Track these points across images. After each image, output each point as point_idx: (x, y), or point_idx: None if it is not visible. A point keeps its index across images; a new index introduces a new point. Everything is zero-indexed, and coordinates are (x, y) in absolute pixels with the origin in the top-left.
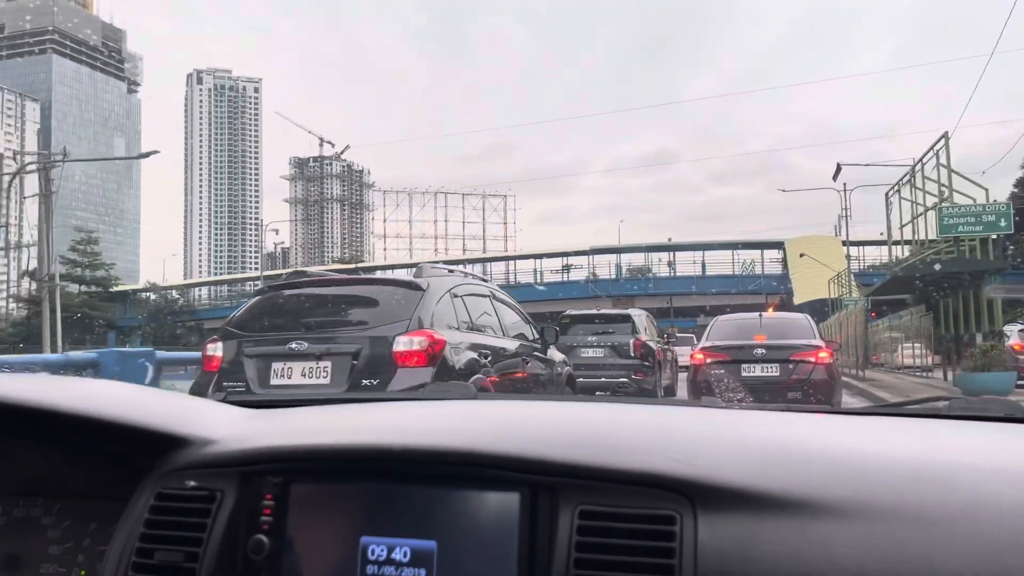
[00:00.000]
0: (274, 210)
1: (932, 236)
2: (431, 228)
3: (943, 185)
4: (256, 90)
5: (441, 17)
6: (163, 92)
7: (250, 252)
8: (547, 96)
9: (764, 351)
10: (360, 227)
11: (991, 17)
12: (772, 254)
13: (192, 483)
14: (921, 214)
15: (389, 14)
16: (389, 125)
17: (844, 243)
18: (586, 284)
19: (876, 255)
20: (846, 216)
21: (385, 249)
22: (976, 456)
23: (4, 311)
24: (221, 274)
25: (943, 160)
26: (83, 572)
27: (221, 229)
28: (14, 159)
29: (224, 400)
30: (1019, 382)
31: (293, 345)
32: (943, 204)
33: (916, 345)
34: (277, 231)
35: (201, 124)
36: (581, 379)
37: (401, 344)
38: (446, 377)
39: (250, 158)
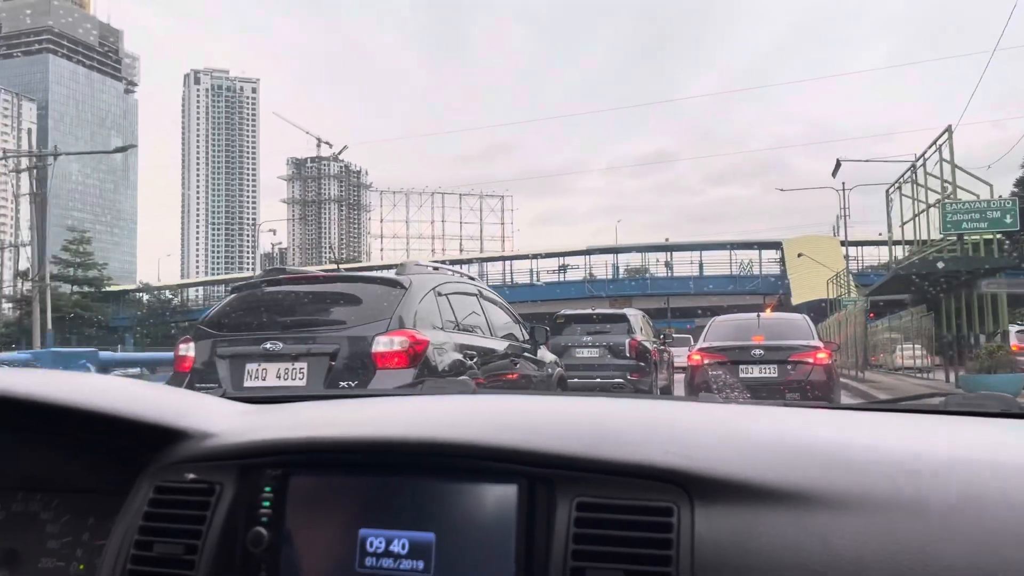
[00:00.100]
0: (271, 210)
1: (934, 234)
2: (428, 228)
3: (946, 181)
4: (254, 90)
5: (440, 17)
6: (160, 92)
7: (247, 252)
8: (546, 97)
9: (762, 352)
10: (358, 227)
11: (990, 18)
12: (770, 254)
13: (191, 476)
14: (923, 211)
15: (387, 14)
16: (387, 126)
17: (842, 243)
18: (583, 284)
19: (874, 255)
20: (844, 215)
21: (382, 249)
22: (973, 450)
23: None
24: (218, 274)
25: (946, 155)
26: (82, 566)
27: (218, 229)
28: (3, 159)
29: (223, 395)
30: None
31: (268, 345)
32: (947, 200)
33: (916, 346)
34: (275, 231)
35: (198, 124)
36: (576, 379)
37: (381, 344)
38: (429, 378)
39: (247, 158)
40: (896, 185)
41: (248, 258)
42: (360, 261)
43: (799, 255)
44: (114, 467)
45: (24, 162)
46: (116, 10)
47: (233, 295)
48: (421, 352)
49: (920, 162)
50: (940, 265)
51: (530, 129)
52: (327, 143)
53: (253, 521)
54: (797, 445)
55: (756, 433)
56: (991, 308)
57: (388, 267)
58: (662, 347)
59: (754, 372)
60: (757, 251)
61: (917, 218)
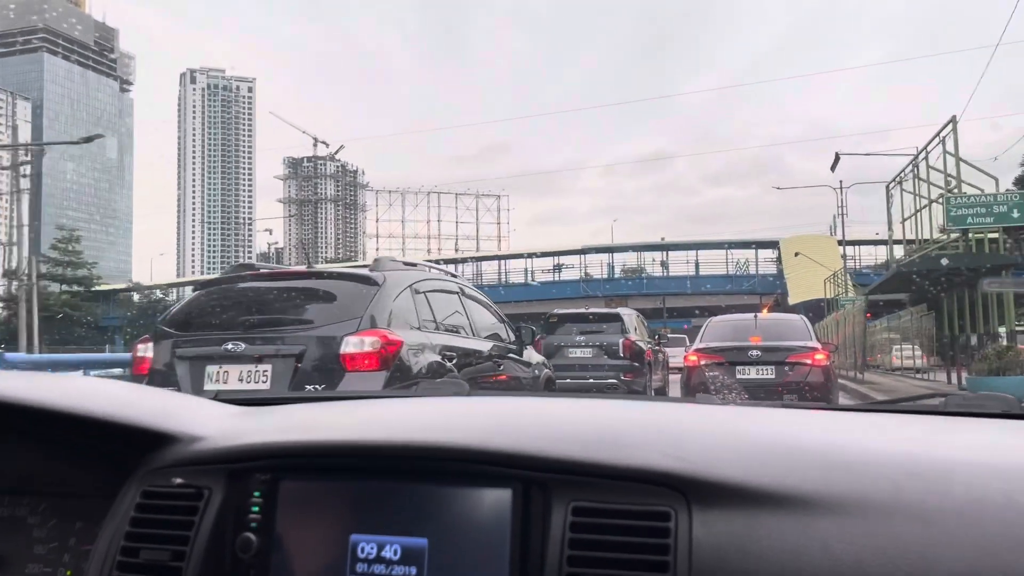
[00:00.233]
0: (268, 210)
1: (936, 231)
2: (425, 228)
3: (950, 175)
4: (250, 90)
5: (437, 17)
6: (156, 91)
7: (243, 252)
8: (544, 97)
9: (759, 353)
10: (354, 227)
11: (987, 18)
12: (767, 253)
13: (179, 480)
14: (925, 206)
15: (385, 14)
16: (384, 126)
17: (840, 242)
18: (579, 284)
19: (872, 255)
20: (842, 214)
21: (377, 249)
22: (973, 452)
23: None
24: (214, 274)
25: (950, 148)
26: (69, 572)
27: (214, 229)
28: None
29: (214, 398)
30: None
31: (229, 346)
32: (951, 194)
33: (917, 346)
34: (271, 231)
35: (194, 123)
36: (569, 380)
37: (350, 345)
38: (403, 382)
39: (243, 158)
40: (897, 180)
41: (244, 258)
42: (356, 260)
43: (796, 254)
44: (102, 471)
45: (7, 159)
46: (112, 9)
47: (196, 292)
48: (394, 353)
49: (922, 156)
50: (944, 262)
51: (528, 129)
52: (323, 142)
53: (242, 526)
54: (796, 447)
55: (755, 435)
56: (996, 307)
57: None
58: (657, 347)
59: (751, 373)
60: (754, 250)
61: (919, 214)
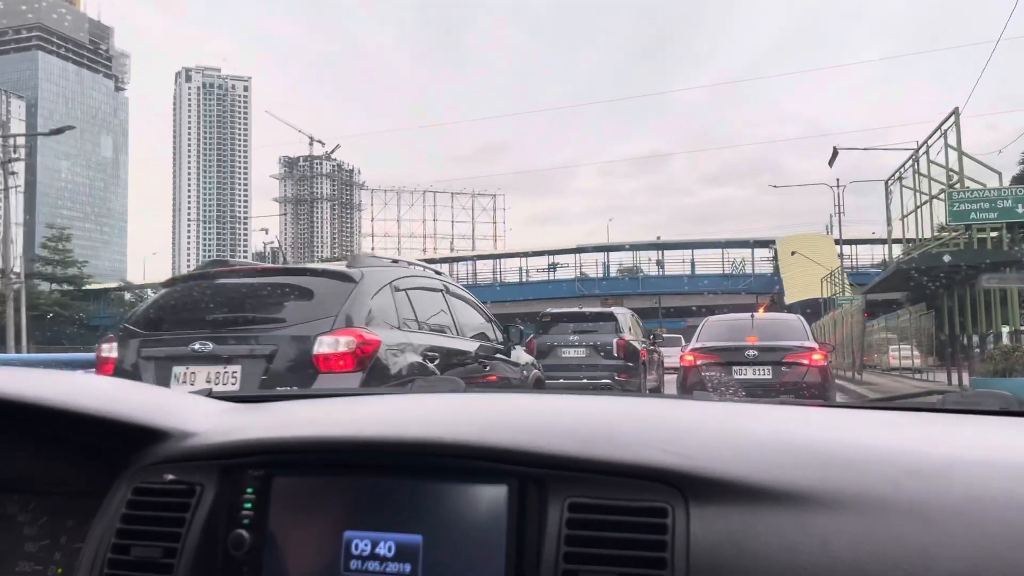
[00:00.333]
0: (264, 209)
1: (936, 228)
2: (420, 227)
3: (951, 170)
4: (245, 88)
5: (434, 17)
6: (151, 90)
7: (239, 251)
8: (541, 97)
9: (756, 353)
10: (350, 226)
11: (985, 19)
12: (763, 253)
13: (170, 477)
14: (926, 202)
15: (382, 14)
16: (381, 125)
17: (836, 241)
18: (574, 283)
19: (868, 254)
20: (838, 213)
21: (373, 248)
22: (972, 450)
23: None
24: None
25: (952, 141)
26: (60, 570)
27: (210, 228)
28: None
29: (208, 394)
30: None
31: (196, 346)
32: (953, 188)
33: (917, 346)
34: (267, 230)
35: (190, 122)
36: (562, 380)
37: (324, 345)
38: (381, 384)
39: (239, 157)
40: (896, 176)
41: (241, 257)
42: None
43: (792, 253)
44: (93, 468)
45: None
46: (107, 7)
47: (164, 290)
48: (371, 353)
49: (923, 151)
50: (946, 259)
51: (525, 129)
52: (319, 141)
53: (234, 523)
54: (794, 444)
55: (753, 432)
56: (999, 306)
57: None
58: (652, 347)
59: (748, 373)
60: (750, 250)
61: (919, 210)
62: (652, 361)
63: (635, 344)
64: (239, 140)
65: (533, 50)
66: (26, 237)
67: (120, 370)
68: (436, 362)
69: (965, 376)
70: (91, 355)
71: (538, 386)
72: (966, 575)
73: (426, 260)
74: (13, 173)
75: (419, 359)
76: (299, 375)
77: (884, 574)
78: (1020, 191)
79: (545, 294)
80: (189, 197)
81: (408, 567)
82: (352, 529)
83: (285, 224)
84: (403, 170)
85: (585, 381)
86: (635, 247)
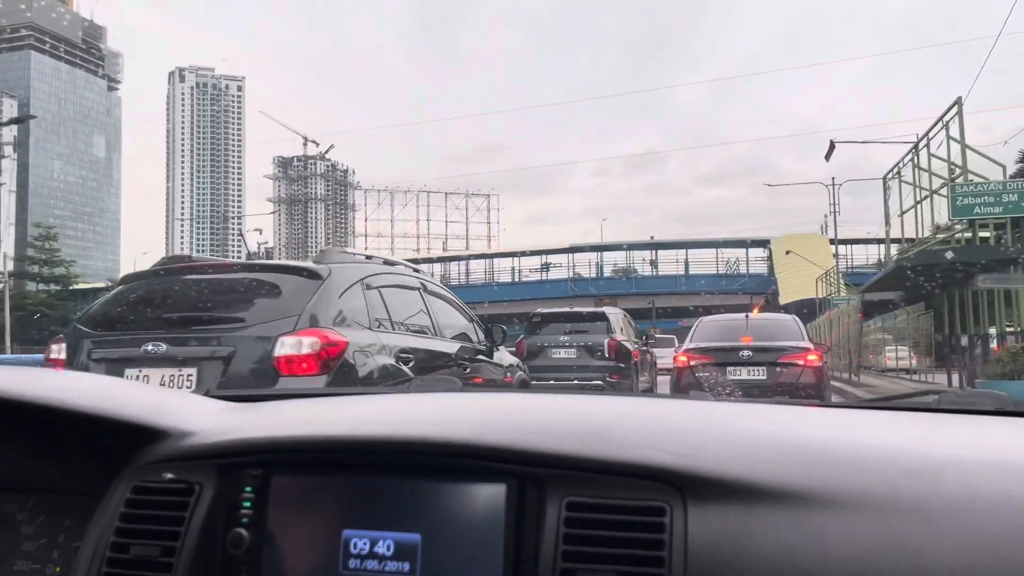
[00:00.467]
0: (257, 209)
1: (932, 229)
2: (414, 227)
3: (953, 164)
4: (239, 88)
5: (430, 17)
6: (145, 90)
7: (233, 251)
8: (537, 98)
9: (750, 353)
10: (344, 226)
11: (982, 19)
12: (757, 252)
13: (169, 476)
14: (926, 197)
15: (378, 14)
16: (377, 125)
17: (832, 241)
18: (567, 283)
19: (863, 254)
20: (834, 212)
21: (367, 248)
22: (968, 449)
23: None
24: None
25: (954, 133)
26: (58, 568)
27: (203, 227)
28: None
29: (207, 393)
30: None
31: (150, 347)
32: (956, 182)
33: (915, 348)
34: (261, 230)
35: (183, 122)
36: (552, 381)
37: (286, 346)
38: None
39: (233, 157)
40: (895, 171)
41: (236, 257)
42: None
43: (787, 252)
44: (91, 467)
45: None
46: (100, 7)
47: (120, 287)
48: (337, 355)
49: (923, 144)
50: (948, 256)
51: (520, 130)
52: (314, 142)
53: (233, 522)
54: (792, 443)
55: (750, 431)
56: (1002, 306)
57: None
58: (644, 348)
59: (742, 374)
60: (744, 250)
61: (919, 206)
62: (645, 362)
63: (627, 345)
64: (233, 140)
65: (529, 50)
66: (17, 237)
67: None
68: (411, 364)
69: (968, 378)
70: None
71: (523, 388)
72: (962, 573)
73: (419, 260)
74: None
75: (392, 361)
76: (259, 378)
77: (881, 573)
78: None
79: (539, 294)
80: (183, 197)
81: (407, 566)
82: (351, 528)
83: (279, 224)
84: (398, 170)
85: (576, 383)
86: (629, 247)
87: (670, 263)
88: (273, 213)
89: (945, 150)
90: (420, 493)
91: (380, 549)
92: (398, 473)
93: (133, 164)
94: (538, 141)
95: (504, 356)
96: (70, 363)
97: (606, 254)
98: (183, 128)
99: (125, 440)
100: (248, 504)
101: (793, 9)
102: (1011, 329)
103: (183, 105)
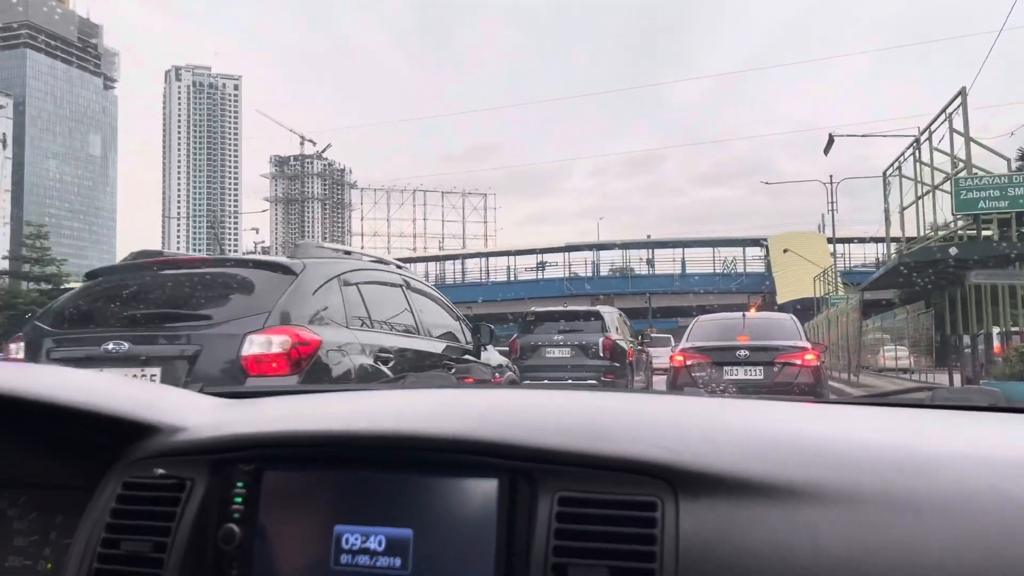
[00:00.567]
0: (254, 208)
1: (940, 219)
2: (411, 226)
3: (957, 157)
4: (236, 87)
5: (428, 17)
6: (141, 88)
7: (229, 250)
8: (534, 98)
9: (747, 353)
10: (341, 226)
11: (982, 19)
12: (755, 251)
13: (160, 471)
14: (928, 192)
15: (376, 13)
16: (374, 125)
17: (829, 240)
18: (562, 282)
19: (861, 254)
20: (832, 210)
21: (363, 247)
22: (961, 445)
23: None
24: None
25: (958, 125)
26: (49, 565)
27: (199, 226)
28: None
29: (201, 389)
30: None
31: (110, 346)
32: (960, 176)
33: (915, 347)
34: (257, 230)
35: (180, 121)
36: (546, 381)
37: (255, 345)
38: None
39: (229, 156)
40: (895, 165)
41: (231, 255)
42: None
43: (784, 251)
44: (82, 462)
45: None
46: (96, 5)
47: (84, 283)
48: (309, 355)
49: (925, 137)
50: (953, 251)
51: (518, 130)
52: (311, 141)
53: (225, 518)
54: (784, 439)
55: (743, 426)
56: (1007, 304)
57: None
58: (640, 347)
59: (739, 374)
60: (741, 249)
61: (921, 201)
62: (640, 361)
63: (622, 344)
64: (229, 139)
65: (526, 50)
66: (13, 236)
67: None
68: (391, 364)
69: (970, 379)
70: None
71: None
72: (955, 569)
73: (415, 259)
74: None
75: (370, 361)
76: (226, 378)
77: (873, 568)
78: None
79: (535, 293)
80: (179, 195)
81: (398, 561)
82: (342, 523)
83: (275, 223)
84: (395, 170)
85: (570, 382)
86: (625, 245)
87: (667, 262)
88: (265, 211)
89: (948, 144)
90: (412, 488)
91: (372, 544)
92: (390, 468)
93: (129, 163)
94: (535, 141)
95: (492, 356)
96: (27, 363)
97: (603, 253)
98: (179, 127)
99: (117, 435)
100: (240, 500)
101: (790, 10)
102: (1016, 328)
103: (179, 104)
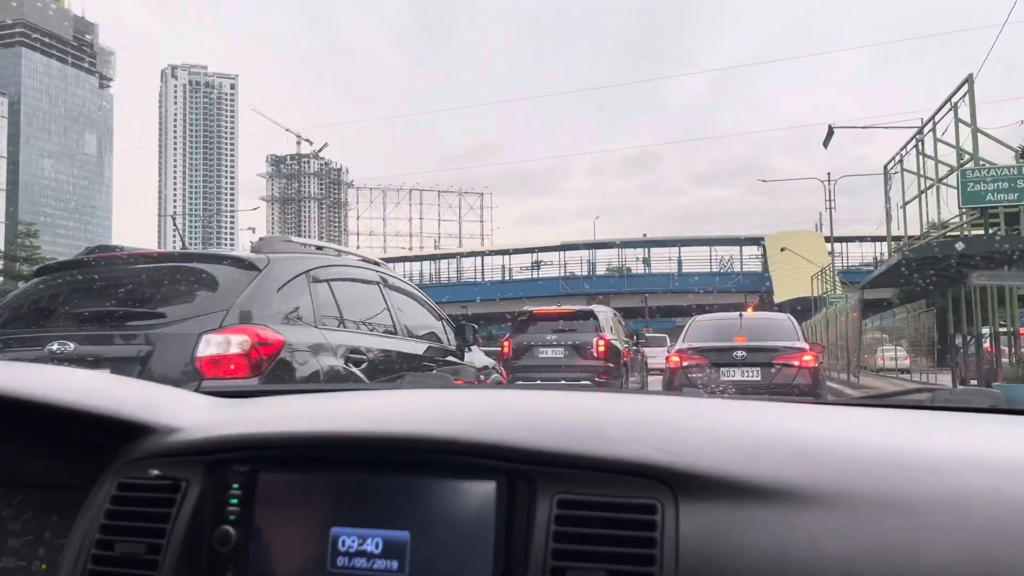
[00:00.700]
0: (249, 207)
1: (944, 214)
2: (407, 226)
3: (962, 149)
4: (232, 87)
5: (426, 17)
6: (137, 87)
7: (226, 249)
8: (532, 98)
9: (744, 354)
10: (338, 225)
11: (980, 20)
12: (751, 250)
13: (155, 472)
14: (931, 185)
15: (375, 13)
16: (371, 124)
17: (827, 239)
18: (558, 282)
19: (858, 253)
20: (830, 208)
21: (359, 247)
22: (960, 447)
23: None
24: None
25: (963, 115)
26: (44, 565)
27: (195, 226)
28: None
29: (197, 389)
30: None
31: (55, 346)
32: (966, 167)
33: (916, 348)
34: (254, 229)
35: (176, 120)
36: (539, 382)
37: (211, 345)
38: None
39: (226, 155)
40: (897, 159)
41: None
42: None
43: (782, 249)
44: (78, 463)
45: None
46: (91, 3)
47: (32, 280)
48: (271, 355)
49: (929, 128)
50: (959, 247)
51: (516, 130)
52: (307, 140)
53: (220, 519)
54: (784, 440)
55: (742, 428)
56: (1013, 303)
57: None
58: (635, 347)
59: (736, 375)
60: (738, 248)
61: (924, 195)
62: (635, 362)
63: (616, 344)
64: (226, 138)
65: (526, 50)
66: (7, 235)
67: None
68: (363, 366)
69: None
70: None
71: None
72: (954, 571)
73: (409, 258)
74: None
75: (339, 363)
76: (180, 381)
77: (873, 570)
78: None
79: (530, 292)
80: (175, 194)
81: (395, 563)
82: (339, 525)
83: (271, 223)
84: (392, 169)
85: (563, 383)
86: (622, 244)
87: (663, 261)
88: (256, 209)
89: (952, 136)
90: (409, 490)
91: (368, 547)
92: (387, 470)
93: (125, 162)
94: (533, 141)
95: (477, 357)
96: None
97: (599, 252)
98: (175, 126)
99: (112, 436)
100: (235, 501)
101: (790, 11)
102: (987, 330)
103: (175, 103)
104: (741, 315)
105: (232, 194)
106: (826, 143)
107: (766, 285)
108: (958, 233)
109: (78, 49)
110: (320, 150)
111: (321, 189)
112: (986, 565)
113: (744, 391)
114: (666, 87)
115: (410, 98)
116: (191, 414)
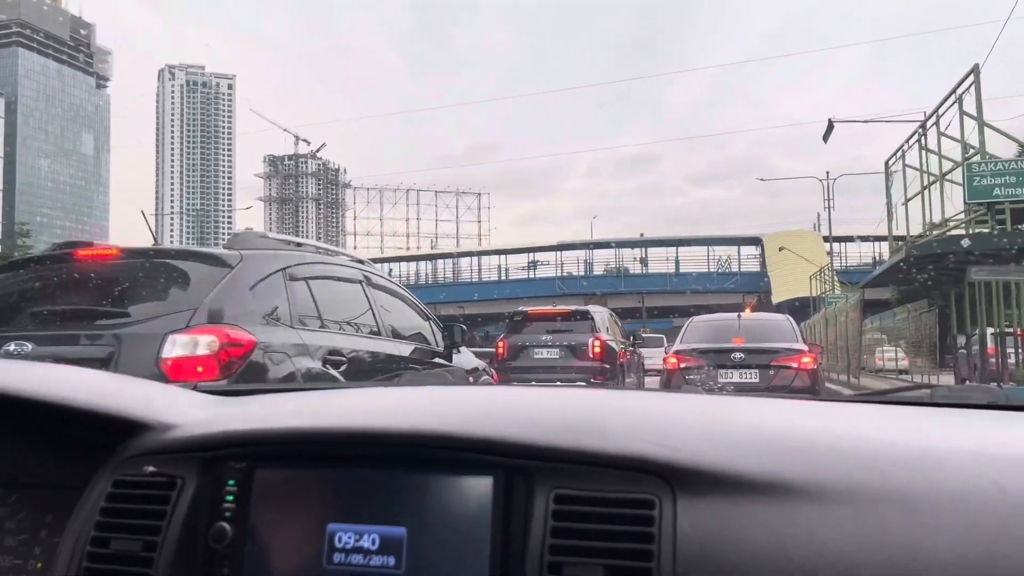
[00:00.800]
0: (244, 207)
1: (948, 210)
2: (404, 226)
3: (968, 144)
4: (230, 87)
5: (424, 17)
6: (134, 87)
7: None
8: (531, 97)
9: (742, 355)
10: (336, 225)
11: (980, 20)
12: (749, 251)
13: (151, 469)
14: (935, 181)
15: (376, 14)
16: (369, 125)
17: (826, 238)
18: (554, 282)
19: (857, 253)
20: (828, 208)
21: (356, 247)
22: (960, 443)
23: None
24: None
25: (969, 108)
26: (40, 564)
27: (193, 226)
28: None
29: (194, 387)
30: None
31: (12, 347)
32: (973, 160)
33: (918, 348)
34: (251, 229)
35: (173, 120)
36: (533, 383)
37: (177, 346)
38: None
39: (223, 155)
40: (899, 154)
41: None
42: None
43: (780, 249)
44: (73, 460)
45: None
46: (88, 3)
47: None
48: (241, 357)
49: (932, 121)
50: (965, 243)
51: (514, 130)
52: (305, 140)
53: (216, 516)
54: (783, 436)
55: (741, 424)
56: (1018, 302)
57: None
58: (631, 348)
59: (734, 377)
60: (736, 247)
61: (927, 191)
62: (632, 363)
63: (612, 345)
64: (223, 138)
65: (525, 50)
66: (4, 234)
67: None
68: (343, 368)
69: (962, 379)
70: None
71: None
72: (953, 566)
73: (405, 257)
74: None
75: (317, 364)
76: None
77: (871, 565)
78: None
79: (527, 292)
80: (172, 194)
81: (392, 560)
82: (335, 522)
83: (269, 223)
84: (390, 169)
85: (559, 384)
86: (618, 244)
87: (661, 261)
88: (250, 208)
89: (956, 131)
90: (406, 486)
91: (365, 543)
92: (384, 466)
93: (122, 162)
94: (531, 141)
95: (466, 358)
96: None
97: (596, 252)
98: (173, 126)
99: (108, 433)
100: (231, 498)
101: (789, 11)
102: (991, 330)
103: (173, 103)
104: (739, 316)
105: (229, 194)
106: (826, 137)
107: (764, 285)
108: (962, 230)
109: (75, 49)
110: (318, 150)
111: (319, 189)
112: (986, 560)
113: (742, 393)
114: (665, 87)
115: (408, 98)
116: (187, 411)
